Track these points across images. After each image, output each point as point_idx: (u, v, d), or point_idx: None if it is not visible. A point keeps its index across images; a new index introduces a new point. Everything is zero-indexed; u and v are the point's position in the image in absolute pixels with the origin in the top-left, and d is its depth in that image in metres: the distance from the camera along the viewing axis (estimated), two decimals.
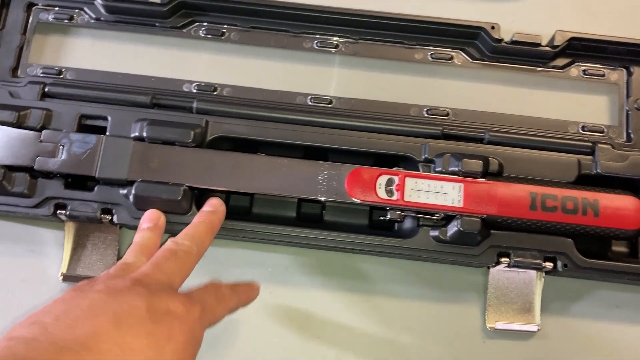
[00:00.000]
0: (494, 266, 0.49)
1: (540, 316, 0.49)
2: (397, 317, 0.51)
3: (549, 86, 0.56)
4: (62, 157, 0.48)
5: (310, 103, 0.54)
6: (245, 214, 0.52)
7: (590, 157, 0.50)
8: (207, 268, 0.50)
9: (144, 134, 0.48)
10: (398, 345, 0.50)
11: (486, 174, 0.48)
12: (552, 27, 0.55)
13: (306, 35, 0.56)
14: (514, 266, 0.48)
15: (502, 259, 0.48)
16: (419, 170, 0.49)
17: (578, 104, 0.56)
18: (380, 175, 0.48)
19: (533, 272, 0.49)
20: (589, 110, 0.55)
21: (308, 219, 0.52)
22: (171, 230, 0.49)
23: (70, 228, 0.50)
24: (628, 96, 0.54)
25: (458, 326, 0.51)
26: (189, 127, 0.49)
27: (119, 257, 0.50)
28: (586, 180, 0.50)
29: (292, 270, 0.51)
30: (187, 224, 0.47)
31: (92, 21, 0.56)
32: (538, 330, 0.49)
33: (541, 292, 0.49)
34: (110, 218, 0.48)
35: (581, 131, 0.54)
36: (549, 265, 0.47)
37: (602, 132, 0.54)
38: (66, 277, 0.50)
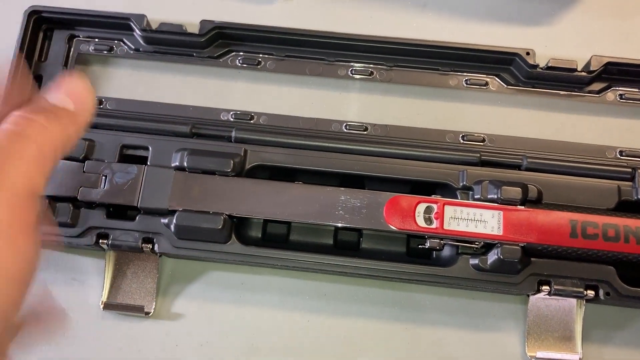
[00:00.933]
0: (534, 294, 0.48)
1: (582, 345, 0.49)
2: (435, 346, 0.50)
3: (586, 111, 0.56)
4: (105, 187, 0.49)
5: (345, 130, 0.55)
6: (283, 242, 0.52)
7: (630, 183, 0.50)
8: (243, 295, 0.51)
9: (185, 164, 0.49)
10: None
11: (525, 201, 0.48)
12: (587, 52, 0.55)
13: (341, 62, 0.57)
14: (554, 294, 0.47)
15: (543, 287, 0.47)
16: (457, 198, 0.49)
17: (615, 128, 0.55)
18: (418, 203, 0.48)
19: (574, 300, 0.49)
20: (627, 135, 0.55)
21: (345, 246, 0.52)
22: (211, 258, 0.49)
23: (110, 257, 0.51)
24: None
25: (498, 355, 0.50)
26: (228, 156, 0.50)
27: (159, 286, 0.51)
28: (627, 207, 0.49)
29: (330, 298, 0.51)
30: (228, 253, 0.48)
31: (131, 52, 0.57)
32: (580, 359, 0.48)
33: (582, 321, 0.49)
34: (151, 247, 0.49)
35: (619, 156, 0.53)
36: (590, 293, 0.47)
37: None
38: (107, 306, 0.50)
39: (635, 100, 0.55)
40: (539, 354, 0.49)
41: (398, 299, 0.52)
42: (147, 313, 0.50)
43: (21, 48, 0.55)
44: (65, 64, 0.57)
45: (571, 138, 0.54)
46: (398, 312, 0.51)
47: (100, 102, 0.56)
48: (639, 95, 0.55)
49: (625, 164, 0.51)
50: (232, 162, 0.49)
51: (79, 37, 0.58)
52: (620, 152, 0.53)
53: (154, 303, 0.51)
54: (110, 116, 0.53)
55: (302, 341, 0.51)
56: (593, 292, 0.47)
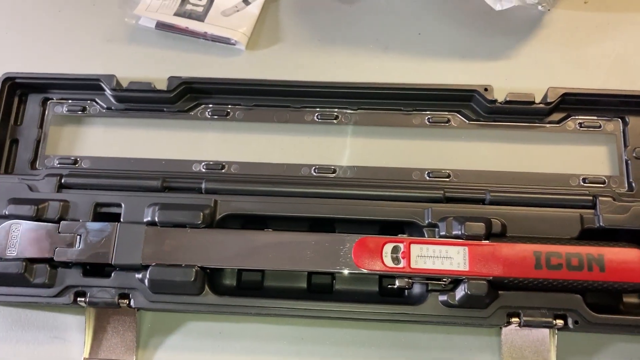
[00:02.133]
0: (505, 326, 0.49)
1: None
2: None
3: (547, 141, 0.57)
4: (80, 247, 0.50)
5: (314, 174, 0.56)
6: (258, 289, 0.53)
7: (592, 211, 0.51)
8: (222, 344, 0.52)
9: (156, 219, 0.50)
10: None
11: (490, 235, 0.49)
12: (546, 83, 0.56)
13: (307, 109, 0.58)
14: (525, 326, 0.48)
15: (513, 319, 0.48)
16: (424, 235, 0.51)
17: (577, 156, 0.57)
18: (385, 243, 0.49)
19: (546, 330, 0.49)
20: (588, 162, 0.56)
21: (319, 289, 0.53)
22: (185, 310, 0.50)
23: (90, 313, 0.52)
24: (626, 145, 0.55)
25: None
26: (199, 208, 0.51)
27: (139, 339, 0.52)
28: (590, 234, 0.50)
29: (308, 342, 0.52)
30: (202, 304, 0.49)
31: (104, 110, 0.59)
32: None
33: (556, 349, 0.49)
34: (127, 302, 0.50)
35: (582, 183, 0.55)
36: (560, 322, 0.48)
37: (603, 182, 0.55)
38: None
39: (594, 127, 0.56)
40: None
41: (374, 338, 0.52)
42: None
43: None
44: (41, 126, 0.59)
45: (535, 168, 0.56)
46: (375, 352, 0.52)
47: (75, 161, 0.57)
48: (598, 123, 0.57)
49: (587, 192, 0.52)
50: (201, 214, 0.50)
51: (52, 99, 0.60)
52: (584, 180, 0.55)
53: (134, 357, 0.51)
54: (84, 176, 0.54)
55: None
56: (562, 321, 0.48)
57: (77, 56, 0.63)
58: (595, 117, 0.57)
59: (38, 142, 0.58)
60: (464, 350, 0.52)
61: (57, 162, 0.58)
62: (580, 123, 0.57)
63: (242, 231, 0.51)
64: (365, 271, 0.48)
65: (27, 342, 0.53)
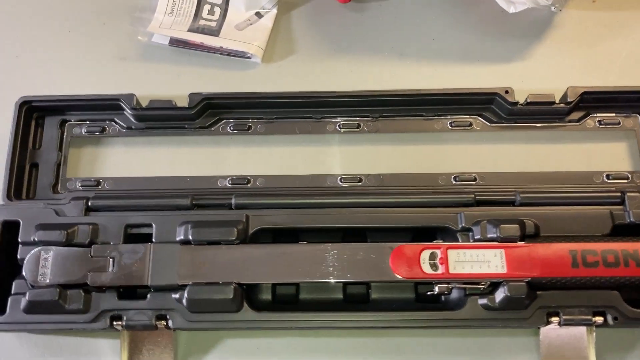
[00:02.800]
0: (544, 326, 0.49)
1: None
2: None
3: (568, 140, 0.58)
4: (114, 270, 0.49)
5: (340, 183, 0.56)
6: (293, 302, 0.53)
7: (621, 207, 0.51)
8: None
9: (190, 237, 0.50)
10: None
11: (524, 236, 0.50)
12: (561, 83, 0.57)
13: (328, 119, 0.58)
14: (564, 324, 0.48)
15: (552, 319, 0.49)
16: (457, 240, 0.51)
17: (598, 153, 0.57)
18: (423, 250, 0.49)
19: (584, 327, 0.50)
20: (610, 158, 0.57)
21: (355, 299, 0.53)
22: (224, 328, 0.50)
23: (125, 336, 0.51)
24: None
25: None
26: (231, 224, 0.51)
27: (177, 357, 0.51)
28: (621, 230, 0.51)
29: (345, 353, 0.52)
30: (241, 321, 0.49)
31: (124, 130, 0.59)
32: None
33: (594, 346, 0.50)
34: (165, 324, 0.49)
35: (606, 180, 0.55)
36: (599, 319, 0.48)
37: (627, 178, 0.55)
38: None
39: (613, 124, 0.57)
40: None
41: (411, 346, 0.52)
42: None
43: (15, 138, 0.56)
44: (60, 149, 0.58)
45: (558, 168, 0.56)
46: (414, 359, 0.52)
47: (98, 183, 0.57)
48: (617, 119, 0.57)
49: (614, 188, 0.53)
50: (235, 229, 0.50)
51: (70, 121, 0.59)
52: (607, 176, 0.55)
53: None
54: (111, 197, 0.54)
55: None
56: (601, 318, 0.48)
57: (91, 76, 0.62)
58: (614, 114, 0.57)
59: (58, 165, 0.57)
60: (502, 352, 0.52)
61: (79, 184, 0.57)
62: (599, 120, 0.57)
63: (278, 245, 0.50)
64: (404, 279, 0.48)
65: None
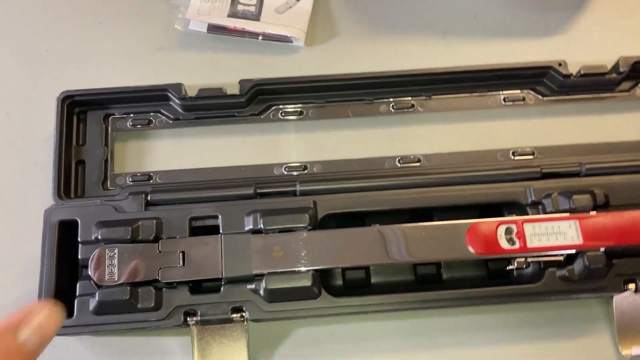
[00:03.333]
0: (619, 293, 0.50)
1: None
2: None
3: (619, 109, 0.58)
4: (185, 264, 0.48)
5: (399, 165, 0.55)
6: (365, 287, 0.52)
7: None
8: (336, 347, 0.51)
9: (261, 226, 0.49)
10: None
11: (596, 207, 0.50)
12: (604, 53, 0.57)
13: (380, 100, 0.58)
14: None
15: (629, 286, 0.49)
16: (527, 214, 0.51)
17: None
18: (499, 225, 0.49)
19: None
20: None
21: (427, 280, 0.52)
22: (304, 316, 0.49)
23: (195, 332, 0.49)
24: None
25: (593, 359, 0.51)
26: (301, 210, 0.49)
27: (249, 350, 0.50)
28: None
29: (421, 334, 0.51)
30: (321, 308, 0.48)
31: (171, 122, 0.57)
32: None
33: None
34: (241, 316, 0.48)
35: None
36: None
37: None
38: None
39: None
40: (634, 351, 0.50)
41: (485, 322, 0.52)
42: None
43: (60, 135, 0.54)
44: (106, 144, 0.56)
45: (614, 137, 0.57)
46: (491, 335, 0.51)
47: (149, 177, 0.55)
48: None
49: None
50: (307, 216, 0.49)
51: (114, 114, 0.57)
52: None
53: None
54: (170, 190, 0.52)
55: None
56: None
57: (127, 68, 0.60)
58: None
59: (106, 161, 0.55)
60: (576, 322, 0.52)
61: (129, 179, 0.55)
62: None
63: (352, 229, 0.49)
64: (482, 256, 0.48)
65: None
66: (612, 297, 0.51)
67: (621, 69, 0.56)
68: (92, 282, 0.48)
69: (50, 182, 0.52)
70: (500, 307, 0.52)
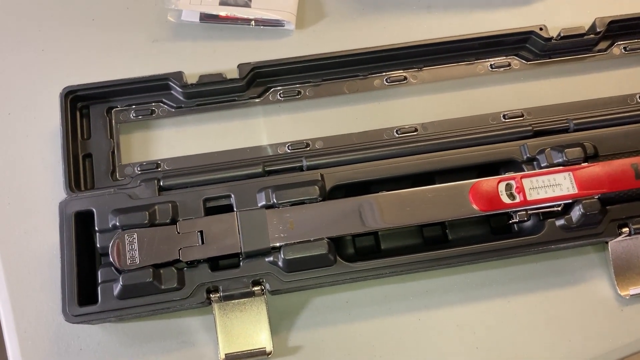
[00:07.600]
0: (616, 237, 0.53)
1: None
2: (538, 310, 0.54)
3: (598, 69, 0.61)
4: (205, 243, 0.49)
5: (397, 135, 0.58)
6: (376, 252, 0.54)
7: None
8: (351, 312, 0.53)
9: (273, 200, 0.50)
10: (545, 336, 0.53)
11: (587, 158, 0.53)
12: (578, 18, 0.61)
13: (374, 75, 0.60)
14: (635, 234, 0.52)
15: (623, 230, 0.52)
16: (523, 170, 0.53)
17: (627, 78, 0.61)
18: (499, 182, 0.51)
19: None
20: (638, 81, 0.61)
21: (435, 241, 0.55)
22: (321, 284, 0.51)
23: (217, 309, 0.51)
24: None
25: (594, 302, 0.54)
26: (310, 183, 0.51)
27: (270, 325, 0.51)
28: None
29: (433, 293, 0.54)
30: (338, 274, 0.50)
31: (173, 110, 0.58)
32: None
33: None
34: (261, 288, 0.50)
35: (639, 101, 0.59)
36: None
37: None
38: (228, 358, 0.50)
39: (638, 49, 0.61)
40: (632, 291, 0.53)
41: (491, 277, 0.54)
42: (269, 353, 0.51)
43: (65, 129, 0.54)
44: (111, 136, 0.57)
45: (594, 95, 0.60)
46: (497, 289, 0.54)
47: (157, 165, 0.56)
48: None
49: None
50: (317, 187, 0.51)
51: (116, 107, 0.58)
52: None
53: (271, 343, 0.51)
54: (181, 175, 0.53)
55: (419, 339, 0.53)
56: None
57: (124, 62, 0.61)
58: (637, 40, 0.61)
59: (112, 153, 0.56)
60: (575, 270, 0.55)
61: (138, 169, 0.56)
62: (624, 47, 0.61)
63: (361, 198, 0.51)
64: (486, 212, 0.51)
65: (157, 354, 0.52)
66: (607, 243, 0.54)
67: (598, 29, 0.59)
68: (112, 268, 0.49)
69: (60, 177, 0.53)
70: (504, 261, 0.55)
